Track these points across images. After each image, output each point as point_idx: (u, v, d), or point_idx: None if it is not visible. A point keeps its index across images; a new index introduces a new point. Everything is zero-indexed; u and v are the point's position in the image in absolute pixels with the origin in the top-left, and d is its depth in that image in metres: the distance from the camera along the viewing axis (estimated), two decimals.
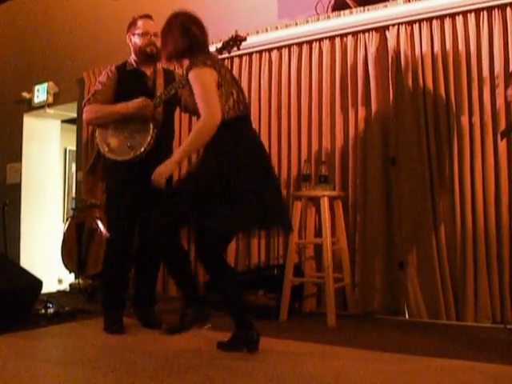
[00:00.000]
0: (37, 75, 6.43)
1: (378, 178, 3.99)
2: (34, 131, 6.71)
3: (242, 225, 2.90)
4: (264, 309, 3.89)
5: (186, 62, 2.98)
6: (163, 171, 2.86)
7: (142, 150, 3.38)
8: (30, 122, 6.68)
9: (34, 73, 6.48)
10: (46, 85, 6.34)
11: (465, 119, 3.76)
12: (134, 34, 3.61)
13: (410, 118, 3.91)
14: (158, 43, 3.59)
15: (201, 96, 2.79)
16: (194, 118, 4.89)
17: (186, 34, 2.99)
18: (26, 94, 6.51)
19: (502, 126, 3.61)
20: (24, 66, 6.63)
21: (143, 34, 3.57)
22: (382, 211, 3.97)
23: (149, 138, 3.38)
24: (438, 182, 3.81)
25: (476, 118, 3.72)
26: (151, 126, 3.41)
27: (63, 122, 7.00)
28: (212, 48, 3.21)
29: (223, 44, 3.31)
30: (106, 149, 3.50)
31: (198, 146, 2.87)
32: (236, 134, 2.85)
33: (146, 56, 3.59)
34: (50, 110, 6.45)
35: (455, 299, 3.71)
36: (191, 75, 2.83)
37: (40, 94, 6.41)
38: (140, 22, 3.60)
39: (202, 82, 2.80)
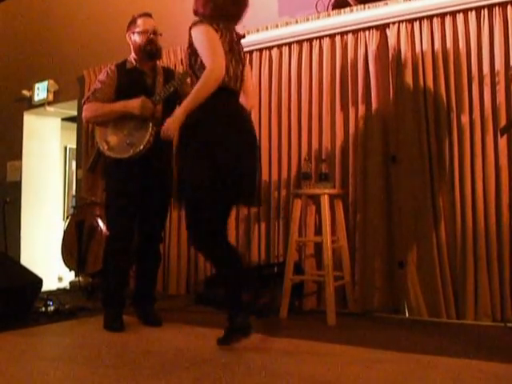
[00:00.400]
0: (37, 73, 6.43)
1: (379, 176, 3.99)
2: (34, 129, 6.72)
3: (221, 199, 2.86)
4: (264, 306, 3.89)
5: None
6: (171, 123, 2.84)
7: (142, 147, 3.38)
8: (30, 120, 6.68)
9: (34, 71, 6.49)
10: (46, 83, 6.34)
11: (465, 117, 3.75)
12: (133, 33, 3.61)
13: (410, 116, 3.91)
14: (158, 41, 3.60)
15: (206, 47, 2.77)
16: None
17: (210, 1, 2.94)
18: (26, 92, 6.51)
19: (503, 123, 3.60)
20: (24, 63, 6.63)
21: (143, 32, 3.57)
22: (382, 209, 3.97)
23: (148, 136, 3.38)
24: (439, 180, 3.81)
25: (476, 116, 3.72)
26: (150, 124, 3.41)
27: (63, 120, 7.00)
28: None
29: None
30: (106, 147, 3.50)
31: (204, 96, 2.78)
32: (212, 102, 2.82)
33: (146, 54, 3.59)
34: (50, 108, 6.45)
35: (455, 297, 3.71)
36: (193, 31, 2.82)
37: (40, 92, 6.41)
38: (140, 21, 3.61)
39: (206, 36, 2.79)
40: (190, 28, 2.86)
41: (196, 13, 2.99)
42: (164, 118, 3.50)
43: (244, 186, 2.90)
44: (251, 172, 2.95)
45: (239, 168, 2.84)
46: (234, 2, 2.97)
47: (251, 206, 4.09)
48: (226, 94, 2.91)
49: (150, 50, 3.58)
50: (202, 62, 2.84)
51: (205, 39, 2.79)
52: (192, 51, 2.90)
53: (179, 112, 2.84)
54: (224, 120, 2.85)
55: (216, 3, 2.93)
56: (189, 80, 3.30)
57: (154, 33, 3.59)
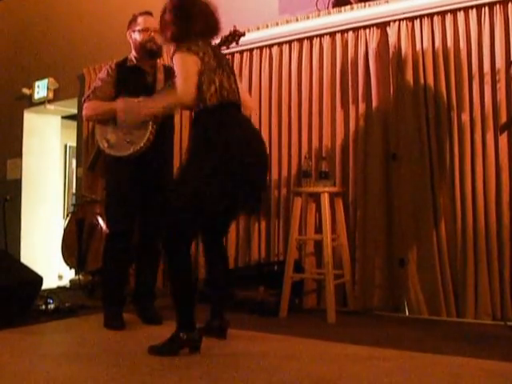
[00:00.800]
0: (37, 71, 6.43)
1: (379, 174, 3.98)
2: (35, 127, 6.71)
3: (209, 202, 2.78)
4: (264, 305, 3.90)
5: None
6: (137, 113, 3.18)
7: (142, 145, 3.38)
8: (30, 118, 6.68)
9: (34, 69, 6.48)
10: (46, 81, 6.34)
11: (466, 115, 3.75)
12: (134, 31, 3.60)
13: (410, 114, 3.90)
14: (159, 40, 3.59)
15: (180, 74, 2.81)
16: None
17: (177, 20, 2.98)
18: (26, 90, 6.51)
19: (503, 121, 3.60)
20: (24, 62, 6.63)
21: (143, 31, 3.57)
22: (383, 207, 3.96)
23: (148, 134, 3.38)
24: (439, 178, 3.81)
25: (477, 114, 3.71)
26: (150, 122, 3.40)
27: (63, 118, 7.00)
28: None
29: (222, 39, 3.29)
30: (106, 144, 3.50)
31: (162, 113, 3.21)
32: (219, 119, 2.83)
33: (146, 52, 3.58)
34: (50, 106, 6.44)
35: (455, 296, 3.71)
36: (174, 58, 2.85)
37: (40, 90, 6.40)
38: (140, 19, 3.60)
39: (182, 64, 2.83)
40: (172, 58, 2.90)
41: (172, 39, 3.01)
42: (164, 116, 3.52)
43: (252, 200, 2.94)
44: (261, 187, 3.01)
45: (251, 184, 2.85)
46: (196, 18, 2.97)
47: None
48: (235, 109, 2.96)
49: (151, 48, 3.58)
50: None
51: (179, 67, 2.84)
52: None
53: (148, 112, 3.17)
54: (240, 137, 2.85)
55: (180, 23, 2.97)
56: None
57: (155, 31, 3.58)
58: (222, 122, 2.83)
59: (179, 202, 2.74)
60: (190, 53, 2.82)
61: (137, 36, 3.59)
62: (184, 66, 2.82)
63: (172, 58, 2.87)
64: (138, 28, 3.58)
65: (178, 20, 2.96)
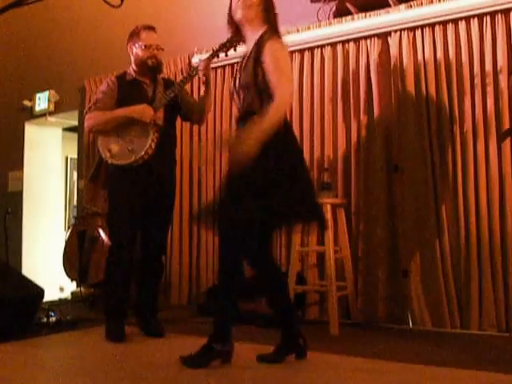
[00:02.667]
0: (38, 83, 6.44)
1: (381, 185, 3.97)
2: (36, 139, 6.72)
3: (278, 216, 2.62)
4: (266, 317, 3.86)
5: (252, 31, 2.70)
6: (245, 151, 2.45)
7: (143, 153, 3.39)
8: (31, 130, 6.69)
9: (35, 81, 6.49)
10: (47, 93, 6.35)
11: (468, 125, 3.74)
12: (135, 45, 3.59)
13: (412, 125, 3.89)
14: (160, 56, 3.59)
15: (283, 70, 2.57)
16: (195, 128, 4.90)
17: (269, 3, 2.72)
18: (27, 102, 6.52)
19: (504, 129, 3.60)
20: (25, 74, 6.64)
21: (146, 47, 3.56)
22: (385, 218, 3.95)
23: (149, 141, 3.39)
24: (442, 189, 3.79)
25: (479, 124, 3.70)
26: (152, 131, 3.41)
27: (64, 130, 7.00)
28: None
29: (220, 46, 3.29)
30: (108, 154, 3.51)
31: (276, 122, 2.52)
32: (285, 123, 2.70)
33: (147, 68, 3.58)
34: (51, 118, 6.45)
35: (459, 307, 3.68)
36: (271, 46, 2.57)
37: (41, 102, 6.42)
38: (144, 34, 3.58)
39: (285, 58, 2.64)
40: (266, 39, 2.60)
41: (264, 21, 2.69)
42: (165, 125, 3.51)
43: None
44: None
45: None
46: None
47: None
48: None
49: (152, 64, 3.58)
50: (269, 81, 2.58)
51: (283, 62, 2.59)
52: (259, 65, 2.60)
53: (254, 139, 2.46)
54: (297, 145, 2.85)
55: (273, 11, 2.73)
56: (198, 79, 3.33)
57: (157, 47, 3.58)
58: (288, 126, 2.72)
59: (246, 214, 2.51)
60: (285, 45, 2.68)
61: (139, 51, 3.59)
62: (286, 61, 2.64)
63: (261, 42, 2.60)
64: (140, 43, 3.57)
65: (271, 3, 2.71)
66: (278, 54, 2.57)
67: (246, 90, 2.63)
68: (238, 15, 2.68)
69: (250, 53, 2.66)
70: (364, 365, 2.78)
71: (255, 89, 2.59)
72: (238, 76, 2.73)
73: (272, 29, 2.67)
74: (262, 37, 2.63)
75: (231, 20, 2.77)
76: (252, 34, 2.70)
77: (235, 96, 2.76)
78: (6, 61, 6.96)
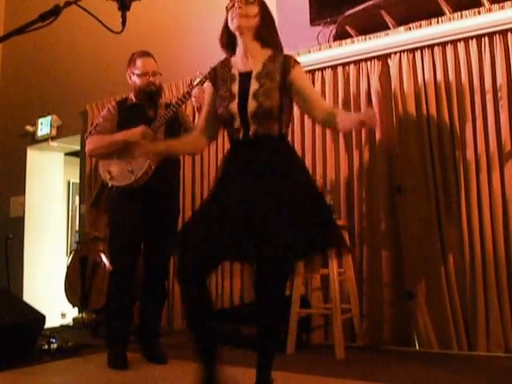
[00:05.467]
0: (40, 108, 6.47)
1: (384, 207, 3.95)
2: (38, 164, 6.73)
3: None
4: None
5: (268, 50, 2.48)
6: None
7: (142, 172, 3.38)
8: (33, 155, 6.70)
9: (37, 106, 6.53)
10: (49, 118, 6.38)
11: (470, 146, 3.73)
12: (133, 73, 3.62)
13: (414, 145, 3.89)
14: (157, 81, 3.61)
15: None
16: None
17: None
18: (29, 127, 6.55)
19: (507, 150, 3.59)
20: (27, 99, 6.68)
21: (142, 75, 3.58)
22: (389, 240, 3.92)
23: (149, 162, 3.38)
24: (445, 210, 3.77)
25: (481, 144, 3.70)
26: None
27: (66, 154, 7.02)
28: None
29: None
30: (108, 176, 3.51)
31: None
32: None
33: (146, 95, 3.60)
34: (53, 143, 6.47)
35: (466, 329, 3.64)
36: (302, 70, 2.51)
37: (43, 127, 6.44)
38: (139, 62, 3.60)
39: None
40: (294, 64, 2.47)
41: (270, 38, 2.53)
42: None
43: None
44: None
45: None
46: None
47: None
48: None
49: (150, 91, 3.59)
50: (290, 104, 2.49)
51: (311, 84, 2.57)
52: (285, 89, 2.43)
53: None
54: None
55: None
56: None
57: (154, 74, 3.60)
58: None
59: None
60: None
61: (136, 79, 3.61)
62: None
63: (291, 64, 2.45)
64: (136, 72, 3.60)
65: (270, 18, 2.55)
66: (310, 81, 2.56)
67: (263, 116, 2.37)
68: (234, 25, 2.43)
69: (265, 75, 2.42)
70: None
71: (278, 115, 2.40)
72: (238, 103, 2.39)
73: (289, 55, 2.55)
74: (287, 61, 2.46)
75: (225, 33, 2.53)
76: (254, 48, 2.47)
77: (230, 125, 2.43)
78: (8, 86, 7.01)
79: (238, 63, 2.48)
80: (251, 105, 2.35)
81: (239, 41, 2.46)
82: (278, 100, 2.37)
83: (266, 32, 2.48)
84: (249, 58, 2.46)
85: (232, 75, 2.47)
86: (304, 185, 2.38)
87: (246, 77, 2.42)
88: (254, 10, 2.43)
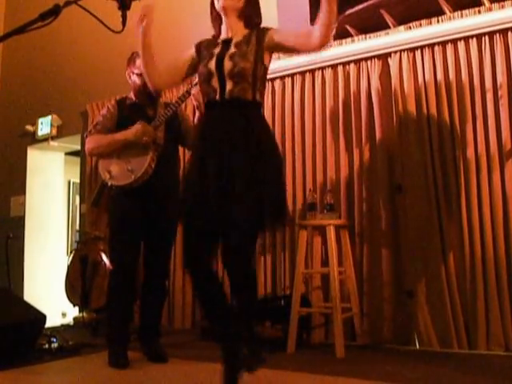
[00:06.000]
0: (40, 108, 6.48)
1: (384, 206, 3.95)
2: (38, 164, 6.73)
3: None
4: (271, 340, 3.83)
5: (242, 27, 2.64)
6: None
7: (143, 171, 3.39)
8: (33, 155, 6.70)
9: (37, 106, 6.53)
10: (49, 118, 6.38)
11: (470, 144, 3.74)
12: (132, 73, 3.62)
13: (414, 144, 3.89)
14: None
15: None
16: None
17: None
18: (29, 127, 6.55)
19: (508, 148, 3.59)
20: (28, 99, 6.68)
21: (141, 74, 3.57)
22: (389, 239, 3.92)
23: (149, 160, 3.39)
24: (446, 209, 3.77)
25: (481, 143, 3.70)
26: (151, 150, 3.41)
27: (67, 154, 7.02)
28: None
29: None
30: (108, 176, 3.51)
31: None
32: None
33: (146, 95, 3.59)
34: (53, 143, 6.48)
35: (466, 327, 3.64)
36: (275, 29, 2.65)
37: (44, 126, 6.44)
38: (138, 61, 3.57)
39: None
40: (270, 28, 2.63)
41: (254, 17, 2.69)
42: (166, 145, 3.51)
43: None
44: None
45: None
46: None
47: None
48: None
49: (149, 91, 3.58)
50: (264, 74, 2.64)
51: None
52: (261, 52, 2.60)
53: None
54: None
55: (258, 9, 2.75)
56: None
57: None
58: None
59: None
60: None
61: (135, 79, 3.61)
62: None
63: (268, 30, 2.60)
64: (136, 71, 3.60)
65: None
66: None
67: (237, 77, 2.52)
68: (218, 5, 2.60)
69: (243, 42, 2.58)
70: None
71: (252, 78, 2.55)
72: (216, 61, 2.55)
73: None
74: (262, 29, 2.62)
75: (213, 9, 2.69)
76: (237, 26, 2.63)
77: (208, 83, 2.57)
78: (8, 86, 7.02)
79: (222, 38, 2.65)
80: (227, 64, 2.52)
81: (224, 20, 2.63)
82: (253, 62, 2.54)
83: (250, 13, 2.64)
84: (231, 34, 2.62)
85: (216, 43, 2.65)
86: (267, 160, 2.47)
87: (227, 43, 2.60)
88: None
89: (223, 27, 2.65)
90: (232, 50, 2.56)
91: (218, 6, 2.60)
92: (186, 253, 2.50)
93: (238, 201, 2.35)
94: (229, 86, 2.51)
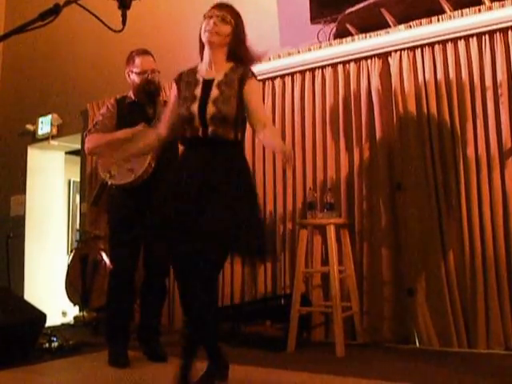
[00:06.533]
0: (40, 107, 6.48)
1: (385, 204, 3.95)
2: (38, 163, 6.73)
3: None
4: (271, 339, 3.83)
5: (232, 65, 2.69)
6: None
7: (142, 171, 3.39)
8: (33, 154, 6.70)
9: (37, 105, 6.53)
10: (49, 117, 6.38)
11: (470, 143, 3.73)
12: (132, 72, 3.62)
13: (414, 143, 3.89)
14: (157, 79, 3.61)
15: (263, 106, 2.78)
16: None
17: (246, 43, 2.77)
18: (29, 126, 6.55)
19: (508, 147, 3.59)
20: (28, 98, 6.68)
21: (141, 73, 3.58)
22: (389, 237, 3.93)
23: (148, 159, 3.39)
24: (446, 207, 3.77)
25: (481, 141, 3.70)
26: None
27: (67, 153, 7.02)
28: None
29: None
30: (108, 175, 3.52)
31: None
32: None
33: (145, 93, 3.60)
34: (53, 142, 6.47)
35: (466, 326, 3.64)
36: (256, 83, 2.71)
37: (44, 125, 6.44)
38: (137, 60, 3.60)
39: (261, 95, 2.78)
40: (250, 77, 2.66)
41: (249, 61, 2.75)
42: (168, 144, 3.50)
43: None
44: None
45: None
46: None
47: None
48: None
49: (149, 90, 3.59)
50: (245, 116, 2.67)
51: (261, 98, 2.87)
52: (241, 99, 2.62)
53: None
54: None
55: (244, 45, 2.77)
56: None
57: (152, 71, 3.59)
58: None
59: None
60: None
61: (135, 78, 3.61)
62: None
63: (250, 78, 2.65)
64: (135, 70, 3.60)
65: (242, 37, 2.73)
66: (261, 94, 2.82)
67: (220, 120, 2.57)
68: (205, 38, 2.63)
69: (225, 83, 2.62)
70: None
71: (234, 121, 2.60)
72: (199, 106, 2.59)
73: (248, 67, 2.71)
74: (245, 73, 2.65)
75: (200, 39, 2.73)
76: (219, 60, 2.67)
77: (189, 123, 2.61)
78: (8, 85, 7.02)
79: (203, 70, 2.70)
80: (210, 109, 2.56)
81: (206, 51, 2.68)
82: (235, 107, 2.59)
83: (234, 49, 2.68)
84: (212, 68, 2.67)
85: (196, 80, 2.68)
86: (244, 194, 2.58)
87: (208, 83, 2.64)
88: (228, 29, 2.64)
89: (204, 57, 2.70)
90: (214, 93, 2.59)
91: (204, 38, 2.63)
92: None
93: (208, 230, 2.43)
94: (211, 127, 2.57)
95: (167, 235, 2.55)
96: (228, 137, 2.59)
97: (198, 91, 2.63)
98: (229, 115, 2.57)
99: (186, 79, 2.71)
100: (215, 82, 2.62)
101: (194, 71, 2.73)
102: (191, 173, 2.56)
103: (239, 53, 2.69)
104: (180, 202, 2.52)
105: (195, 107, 2.58)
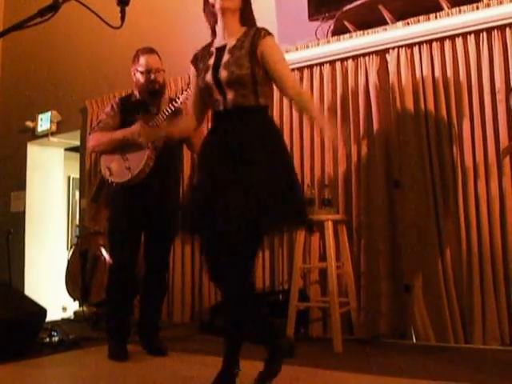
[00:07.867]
0: (40, 104, 6.48)
1: (382, 201, 3.97)
2: (38, 160, 6.75)
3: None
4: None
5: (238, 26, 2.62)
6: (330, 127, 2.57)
7: (139, 170, 3.40)
8: (33, 151, 6.72)
9: (37, 102, 6.54)
10: (49, 114, 6.39)
11: (468, 140, 3.75)
12: (137, 70, 3.62)
13: (412, 140, 3.91)
14: (161, 78, 3.61)
15: (287, 64, 2.62)
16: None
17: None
18: (29, 123, 6.56)
19: (505, 145, 3.60)
20: (27, 95, 6.68)
21: (145, 72, 3.58)
22: (387, 234, 3.94)
23: (146, 158, 3.40)
24: (443, 204, 3.79)
25: (479, 139, 3.72)
26: (147, 148, 3.41)
27: (66, 150, 7.04)
28: None
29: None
30: (108, 172, 3.53)
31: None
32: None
33: (149, 93, 3.61)
34: (53, 139, 6.49)
35: (463, 322, 3.66)
36: (272, 41, 2.56)
37: (43, 122, 6.45)
38: (142, 59, 3.60)
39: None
40: (263, 36, 2.55)
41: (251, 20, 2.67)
42: (165, 142, 3.51)
43: None
44: None
45: None
46: None
47: None
48: None
49: (153, 88, 3.60)
50: (265, 75, 2.54)
51: (283, 56, 2.62)
52: (255, 59, 2.52)
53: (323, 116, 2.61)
54: None
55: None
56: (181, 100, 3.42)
57: (157, 70, 3.60)
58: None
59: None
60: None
61: (139, 77, 3.61)
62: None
63: (265, 36, 2.54)
64: (140, 69, 3.60)
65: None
66: (280, 52, 2.60)
67: (236, 85, 2.49)
68: (218, 5, 2.55)
69: (237, 46, 2.54)
70: (369, 382, 2.77)
71: (252, 84, 2.51)
72: (212, 73, 2.53)
73: (261, 27, 2.63)
74: (257, 32, 2.56)
75: (208, 8, 2.66)
76: (233, 26, 2.60)
77: (210, 95, 2.57)
78: (8, 82, 7.02)
79: (217, 42, 2.63)
80: (223, 74, 2.49)
81: (219, 20, 2.60)
82: (249, 67, 2.50)
83: (246, 12, 2.62)
84: (226, 36, 2.59)
85: (210, 52, 2.62)
86: (271, 168, 2.43)
87: (221, 51, 2.57)
88: None
89: (217, 28, 2.63)
90: (226, 57, 2.52)
91: (217, 6, 2.55)
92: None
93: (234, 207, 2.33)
94: (230, 95, 2.50)
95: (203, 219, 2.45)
96: (249, 103, 2.50)
97: (212, 60, 2.57)
98: (243, 76, 2.47)
99: (201, 55, 2.67)
100: (227, 48, 2.55)
101: (208, 46, 2.68)
102: (216, 152, 2.50)
103: (251, 15, 2.64)
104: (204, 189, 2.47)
105: (209, 76, 2.53)
